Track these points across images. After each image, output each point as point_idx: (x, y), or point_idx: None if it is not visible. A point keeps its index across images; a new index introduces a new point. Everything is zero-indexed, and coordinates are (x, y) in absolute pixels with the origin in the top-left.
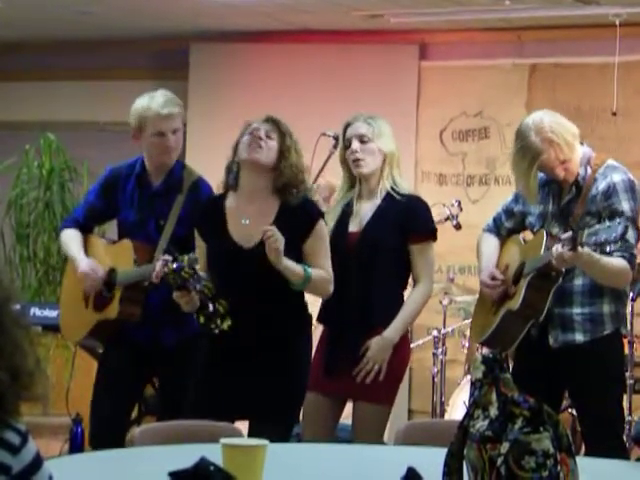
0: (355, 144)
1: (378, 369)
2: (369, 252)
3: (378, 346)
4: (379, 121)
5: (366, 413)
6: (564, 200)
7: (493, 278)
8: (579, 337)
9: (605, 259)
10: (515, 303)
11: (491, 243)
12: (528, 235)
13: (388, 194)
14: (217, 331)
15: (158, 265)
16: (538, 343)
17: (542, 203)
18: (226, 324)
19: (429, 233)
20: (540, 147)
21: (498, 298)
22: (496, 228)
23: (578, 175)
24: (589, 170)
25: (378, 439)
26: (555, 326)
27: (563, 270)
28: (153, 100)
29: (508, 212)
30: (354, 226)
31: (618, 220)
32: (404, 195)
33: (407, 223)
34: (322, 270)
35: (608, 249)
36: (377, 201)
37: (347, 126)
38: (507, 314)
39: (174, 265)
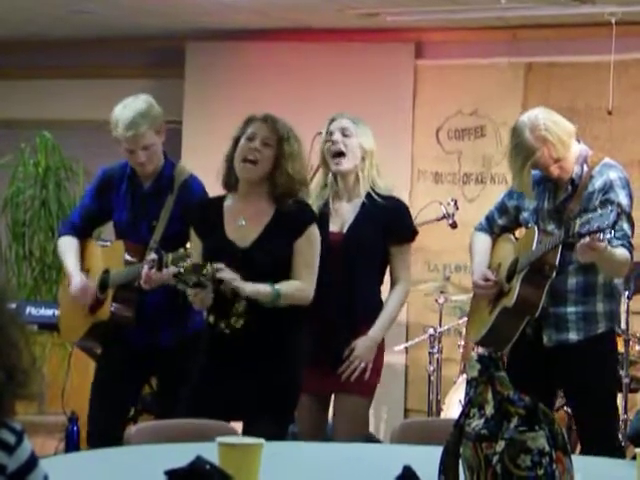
0: (337, 135)
1: (364, 367)
2: (353, 252)
3: (364, 346)
4: (363, 122)
5: (346, 405)
6: (560, 198)
7: (486, 279)
8: (573, 336)
9: (610, 248)
10: (510, 300)
11: (483, 242)
12: (519, 234)
13: (369, 195)
14: (228, 330)
15: (145, 267)
16: (533, 342)
17: (537, 199)
18: (239, 323)
19: (410, 235)
20: (534, 145)
21: (493, 297)
22: (489, 227)
23: (573, 173)
24: (585, 168)
25: (358, 431)
26: (549, 325)
27: (556, 264)
28: (122, 115)
29: (501, 209)
30: (335, 226)
31: (610, 208)
32: (384, 197)
33: (390, 226)
34: (297, 280)
35: (602, 237)
36: (358, 201)
37: (331, 121)
38: (502, 312)
39: (190, 263)
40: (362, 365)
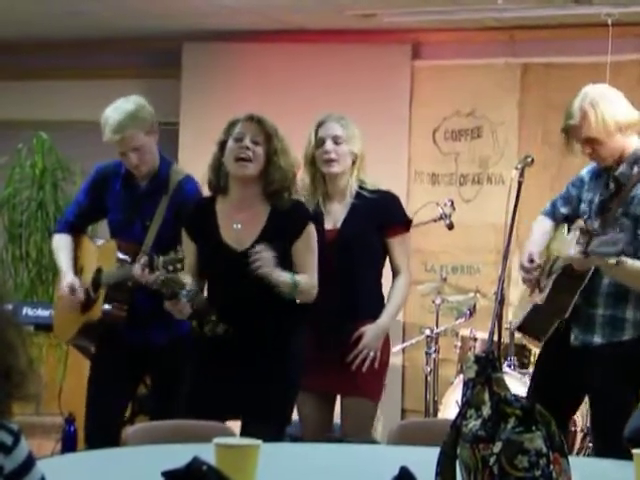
0: (329, 144)
1: (373, 356)
2: (349, 246)
3: (373, 333)
4: (350, 123)
5: (354, 407)
6: (605, 194)
7: (530, 261)
8: (597, 339)
9: (630, 262)
10: (541, 298)
11: (544, 226)
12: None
13: (358, 192)
14: (210, 334)
15: (136, 268)
16: (563, 339)
17: (593, 192)
18: (221, 329)
19: (405, 225)
20: (573, 113)
21: (534, 286)
22: (552, 212)
23: (617, 171)
24: (636, 169)
25: (367, 434)
26: (578, 324)
27: (588, 272)
28: (109, 119)
29: (565, 197)
30: (329, 225)
31: (624, 233)
32: (374, 191)
33: (383, 218)
34: (306, 276)
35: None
36: (348, 200)
37: (319, 126)
38: (535, 307)
39: (163, 277)
40: (371, 354)
